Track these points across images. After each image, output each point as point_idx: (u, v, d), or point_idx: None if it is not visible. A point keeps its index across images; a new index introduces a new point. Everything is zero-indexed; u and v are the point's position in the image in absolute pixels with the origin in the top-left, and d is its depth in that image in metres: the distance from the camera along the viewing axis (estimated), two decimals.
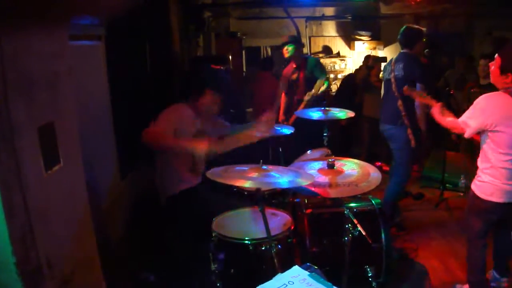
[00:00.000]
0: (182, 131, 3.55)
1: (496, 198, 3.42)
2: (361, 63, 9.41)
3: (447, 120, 3.66)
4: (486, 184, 3.48)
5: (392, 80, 5.03)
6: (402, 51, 5.15)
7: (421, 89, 4.79)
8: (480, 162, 3.57)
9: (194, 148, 3.18)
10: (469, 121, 3.44)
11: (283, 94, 6.62)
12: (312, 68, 6.42)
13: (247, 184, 2.57)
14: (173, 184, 3.72)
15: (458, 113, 3.72)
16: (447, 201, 6.22)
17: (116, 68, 4.09)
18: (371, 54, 10.09)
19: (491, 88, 6.35)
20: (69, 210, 2.45)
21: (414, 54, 5.07)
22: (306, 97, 6.20)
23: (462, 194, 6.45)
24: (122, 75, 4.28)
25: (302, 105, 6.19)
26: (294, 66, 6.44)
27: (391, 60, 5.25)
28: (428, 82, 5.15)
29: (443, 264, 4.55)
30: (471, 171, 6.46)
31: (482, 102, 3.41)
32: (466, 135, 3.50)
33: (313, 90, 6.24)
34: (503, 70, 3.33)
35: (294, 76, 6.48)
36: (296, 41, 6.48)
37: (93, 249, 2.80)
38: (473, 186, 3.63)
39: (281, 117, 6.51)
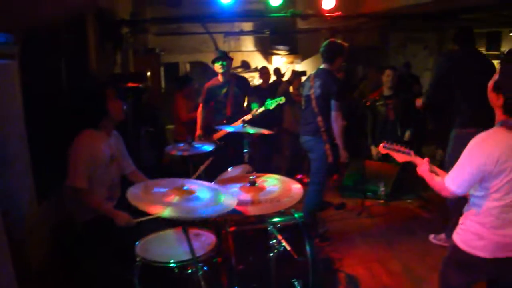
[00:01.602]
0: (97, 165, 3.60)
1: (483, 252, 2.75)
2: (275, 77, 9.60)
3: (433, 179, 2.94)
4: (471, 232, 2.82)
5: (312, 96, 5.13)
6: (321, 66, 5.26)
7: (336, 106, 4.95)
8: (467, 206, 2.90)
9: (115, 218, 3.40)
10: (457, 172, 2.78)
11: (200, 107, 6.40)
12: (244, 88, 6.33)
13: (166, 213, 2.47)
14: (87, 208, 3.61)
15: None
16: (368, 209, 6.43)
17: (31, 88, 3.93)
18: (280, 68, 10.30)
19: (393, 98, 6.67)
20: None
21: (332, 70, 5.20)
22: (254, 112, 5.85)
23: (382, 201, 6.67)
24: (37, 95, 4.12)
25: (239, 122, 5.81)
26: (221, 80, 6.22)
27: (310, 76, 5.37)
28: (344, 97, 5.29)
29: (368, 270, 4.67)
30: (390, 179, 6.77)
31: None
32: (458, 192, 2.77)
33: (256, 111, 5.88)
34: (496, 88, 2.69)
35: (223, 90, 6.21)
36: (228, 57, 6.27)
37: (11, 282, 2.66)
38: (454, 235, 2.93)
39: (198, 131, 6.27)
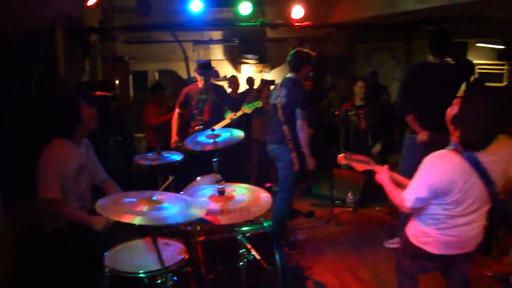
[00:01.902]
0: (66, 176, 3.56)
1: (430, 248, 3.08)
2: (247, 86, 9.62)
3: (391, 190, 3.19)
4: (420, 229, 3.14)
5: (278, 105, 5.18)
6: (287, 75, 5.31)
7: (301, 114, 5.00)
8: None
9: (92, 223, 3.40)
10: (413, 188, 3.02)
11: (175, 113, 6.39)
12: (222, 96, 6.39)
13: (136, 221, 2.48)
14: (58, 217, 3.56)
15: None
16: (337, 217, 6.49)
17: None
18: (253, 77, 10.35)
19: (366, 108, 6.77)
20: None
21: (298, 79, 5.24)
22: (232, 116, 6.03)
23: (350, 209, 6.74)
24: (5, 102, 4.07)
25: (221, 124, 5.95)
26: (201, 87, 6.25)
27: (277, 85, 5.42)
28: (309, 106, 5.34)
29: (337, 278, 4.72)
30: (358, 187, 6.85)
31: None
32: (412, 207, 3.02)
33: (233, 115, 6.06)
34: (453, 124, 2.97)
35: (202, 96, 6.24)
36: (211, 66, 6.37)
37: None
38: (407, 229, 3.27)
39: (174, 137, 6.23)
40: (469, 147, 2.88)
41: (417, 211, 3.11)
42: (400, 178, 3.34)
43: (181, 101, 6.35)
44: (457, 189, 2.85)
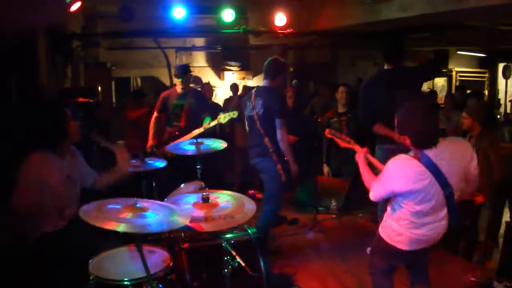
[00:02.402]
0: (45, 190, 3.46)
1: (402, 245, 3.32)
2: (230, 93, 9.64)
3: (367, 175, 3.51)
4: (392, 229, 3.36)
5: (255, 117, 5.05)
6: (261, 84, 5.22)
7: (280, 123, 4.89)
8: (389, 208, 3.43)
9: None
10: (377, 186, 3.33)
11: (153, 117, 6.30)
12: (201, 102, 6.26)
13: (120, 228, 2.48)
14: (37, 225, 3.52)
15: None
16: (321, 224, 6.48)
17: None
18: (237, 84, 10.38)
19: (348, 114, 6.81)
20: None
21: (273, 87, 5.13)
22: (206, 125, 5.80)
23: (334, 216, 6.76)
24: None
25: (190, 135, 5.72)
26: (179, 92, 6.15)
27: (250, 95, 5.25)
28: (291, 114, 5.29)
29: (322, 284, 4.71)
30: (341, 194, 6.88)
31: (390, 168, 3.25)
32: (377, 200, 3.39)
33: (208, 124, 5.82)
34: (400, 132, 3.29)
35: (179, 101, 6.12)
36: (188, 70, 6.30)
37: None
38: (380, 228, 3.50)
39: (150, 141, 6.14)
40: (423, 147, 3.16)
41: (388, 210, 3.42)
42: (376, 163, 3.71)
43: (158, 106, 6.26)
44: (417, 193, 3.10)
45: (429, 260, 3.63)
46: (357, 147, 3.73)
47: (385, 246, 3.41)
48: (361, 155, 3.65)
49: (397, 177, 3.17)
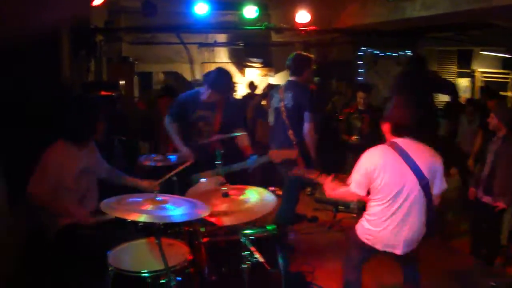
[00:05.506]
0: (65, 178, 3.53)
1: (373, 244, 3.50)
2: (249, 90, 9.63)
3: (340, 191, 3.69)
4: (365, 228, 3.53)
5: (282, 109, 5.10)
6: (290, 79, 5.24)
7: (309, 117, 4.93)
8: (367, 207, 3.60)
9: (79, 219, 3.45)
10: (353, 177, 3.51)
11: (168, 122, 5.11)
12: (234, 113, 5.10)
13: (142, 218, 2.51)
14: (60, 217, 3.56)
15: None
16: (340, 223, 6.45)
17: (3, 92, 3.89)
18: (254, 81, 10.37)
19: (369, 112, 6.78)
20: None
21: (303, 82, 5.18)
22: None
23: (354, 215, 6.69)
24: (8, 101, 4.07)
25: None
26: (204, 98, 4.90)
27: (278, 88, 5.33)
28: (317, 109, 5.30)
29: (340, 284, 4.66)
30: None
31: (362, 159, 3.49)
32: (360, 193, 3.49)
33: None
34: (383, 118, 3.58)
35: (206, 113, 4.95)
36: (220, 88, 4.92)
37: None
38: (357, 225, 3.66)
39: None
40: (398, 134, 3.42)
41: (365, 213, 3.59)
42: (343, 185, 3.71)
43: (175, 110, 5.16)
44: (381, 178, 3.30)
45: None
46: (321, 179, 3.81)
47: (361, 242, 3.57)
48: (326, 184, 3.75)
49: (368, 157, 3.42)
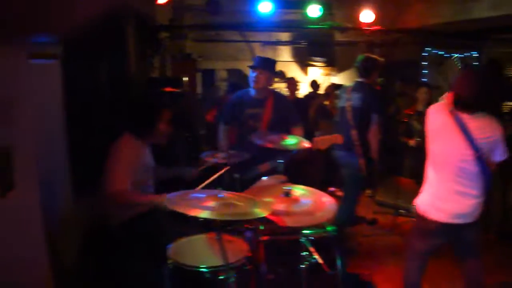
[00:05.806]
0: (136, 170, 3.61)
1: (432, 215, 3.42)
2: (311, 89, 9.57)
3: None
4: (423, 199, 3.54)
5: (348, 108, 5.10)
6: (358, 80, 5.25)
7: (376, 119, 4.93)
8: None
9: (157, 202, 3.40)
10: None
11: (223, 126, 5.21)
12: (285, 109, 4.95)
13: (203, 215, 2.52)
14: (124, 209, 3.65)
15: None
16: (400, 227, 6.34)
17: (72, 87, 4.02)
18: (316, 80, 10.31)
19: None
20: (22, 234, 2.38)
21: (370, 84, 5.20)
22: None
23: (415, 219, 6.56)
24: (78, 94, 4.20)
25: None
26: (252, 95, 4.91)
27: (345, 88, 5.34)
28: (383, 111, 5.27)
29: None
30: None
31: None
32: None
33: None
34: (449, 88, 3.47)
35: (253, 111, 4.89)
36: (269, 66, 4.89)
37: (47, 275, 2.71)
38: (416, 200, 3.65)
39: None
40: (458, 108, 3.28)
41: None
42: None
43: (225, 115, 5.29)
44: (439, 137, 3.38)
45: None
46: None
47: (420, 220, 3.57)
48: None
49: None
